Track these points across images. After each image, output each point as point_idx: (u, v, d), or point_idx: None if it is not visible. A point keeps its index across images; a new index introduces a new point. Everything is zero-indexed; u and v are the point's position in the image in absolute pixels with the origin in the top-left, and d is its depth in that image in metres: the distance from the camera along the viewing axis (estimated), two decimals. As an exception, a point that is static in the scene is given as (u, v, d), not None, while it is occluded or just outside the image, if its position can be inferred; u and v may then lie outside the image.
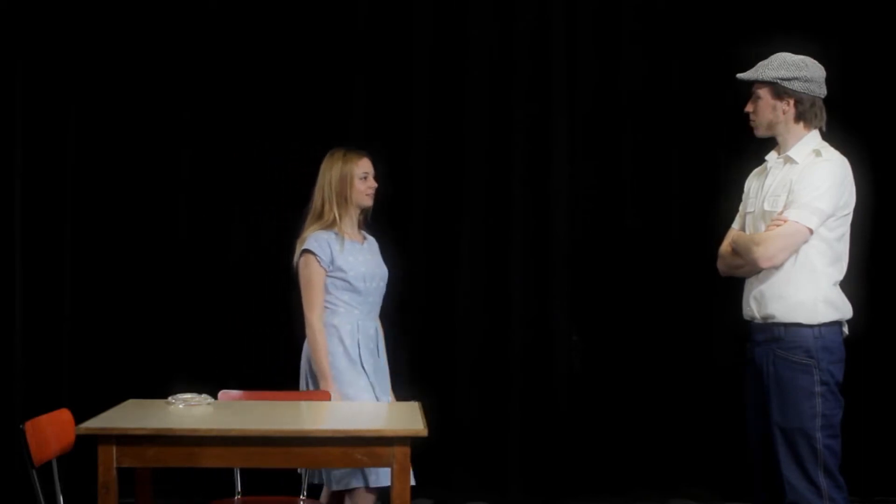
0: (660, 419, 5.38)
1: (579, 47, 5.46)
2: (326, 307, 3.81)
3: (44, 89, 5.30)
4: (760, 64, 3.50)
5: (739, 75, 3.53)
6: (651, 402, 5.39)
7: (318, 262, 3.78)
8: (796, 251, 3.35)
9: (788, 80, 3.41)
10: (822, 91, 3.46)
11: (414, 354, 5.34)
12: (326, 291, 3.81)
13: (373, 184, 3.91)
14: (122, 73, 5.33)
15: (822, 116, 3.48)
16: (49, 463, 3.28)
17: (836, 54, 3.71)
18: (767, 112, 3.48)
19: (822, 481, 3.31)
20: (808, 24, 5.07)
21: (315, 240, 3.80)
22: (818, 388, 3.32)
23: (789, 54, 3.47)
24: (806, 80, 3.41)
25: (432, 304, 5.38)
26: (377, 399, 3.79)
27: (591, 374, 5.43)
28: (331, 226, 3.83)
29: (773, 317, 3.39)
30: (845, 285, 3.46)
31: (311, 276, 3.80)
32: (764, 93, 3.47)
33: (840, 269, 3.43)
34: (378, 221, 5.40)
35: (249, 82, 5.38)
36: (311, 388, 3.85)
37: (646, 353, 5.40)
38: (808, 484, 3.32)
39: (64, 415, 3.42)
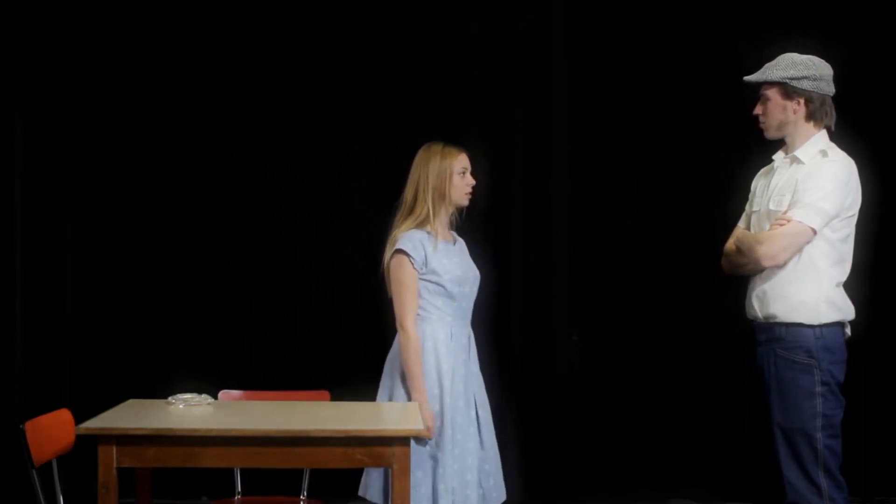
0: (660, 419, 5.38)
1: (579, 47, 5.46)
2: (417, 313, 3.56)
3: (44, 89, 5.30)
4: (767, 65, 3.49)
5: (746, 78, 3.52)
6: (651, 402, 5.38)
7: (412, 263, 3.53)
8: (799, 251, 3.35)
9: (798, 79, 3.41)
10: (830, 89, 3.46)
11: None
12: (419, 296, 3.56)
13: (471, 181, 3.67)
14: (122, 73, 5.33)
15: (832, 115, 3.48)
16: (49, 463, 3.28)
17: (837, 54, 3.69)
18: (778, 113, 3.47)
19: (823, 481, 3.31)
20: (809, 24, 5.06)
21: (408, 239, 3.55)
22: (819, 388, 3.32)
23: (796, 54, 3.47)
24: (815, 79, 3.41)
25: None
26: (470, 414, 3.58)
27: (591, 374, 5.43)
28: (423, 224, 3.59)
29: (774, 316, 3.39)
30: (848, 286, 3.45)
31: (404, 278, 3.54)
32: (773, 94, 3.46)
33: (843, 271, 3.42)
34: (374, 221, 5.43)
35: (249, 82, 5.38)
36: (396, 390, 3.57)
37: (646, 354, 5.40)
38: (808, 484, 3.32)
39: (64, 415, 3.42)
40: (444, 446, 3.46)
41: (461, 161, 3.64)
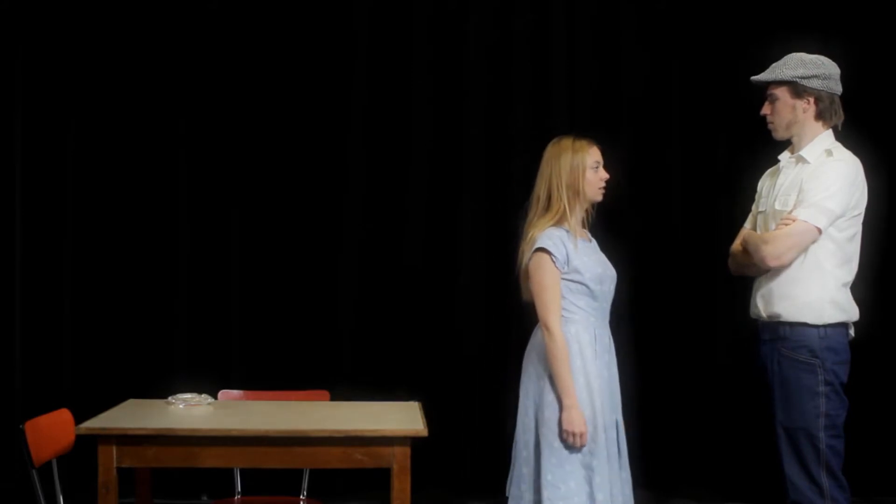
0: (660, 419, 5.37)
1: (579, 47, 5.45)
2: (561, 314, 3.37)
3: (44, 88, 5.30)
4: (775, 65, 3.48)
5: (754, 78, 3.50)
6: (652, 401, 5.38)
7: (554, 262, 3.34)
8: (805, 251, 3.34)
9: (807, 78, 3.40)
10: (839, 88, 3.45)
11: (414, 353, 5.34)
12: (561, 296, 3.37)
13: (605, 175, 3.47)
14: (121, 74, 5.33)
15: (840, 114, 3.47)
16: (49, 463, 3.28)
17: (840, 53, 3.69)
18: (787, 112, 3.45)
19: (825, 481, 3.31)
20: (810, 24, 5.07)
21: (548, 237, 3.36)
22: (822, 388, 3.31)
23: (804, 53, 3.46)
24: (825, 78, 3.41)
25: (433, 302, 5.38)
26: (614, 416, 3.39)
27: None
28: (560, 221, 3.40)
29: (779, 316, 3.38)
30: (853, 285, 3.44)
31: (546, 278, 3.35)
32: (782, 93, 3.45)
33: (849, 271, 3.41)
34: (373, 221, 5.44)
35: (248, 80, 5.37)
36: (545, 395, 3.34)
37: (646, 353, 5.39)
38: (810, 483, 3.31)
39: (64, 415, 3.42)
40: (599, 453, 3.28)
41: (593, 155, 3.46)
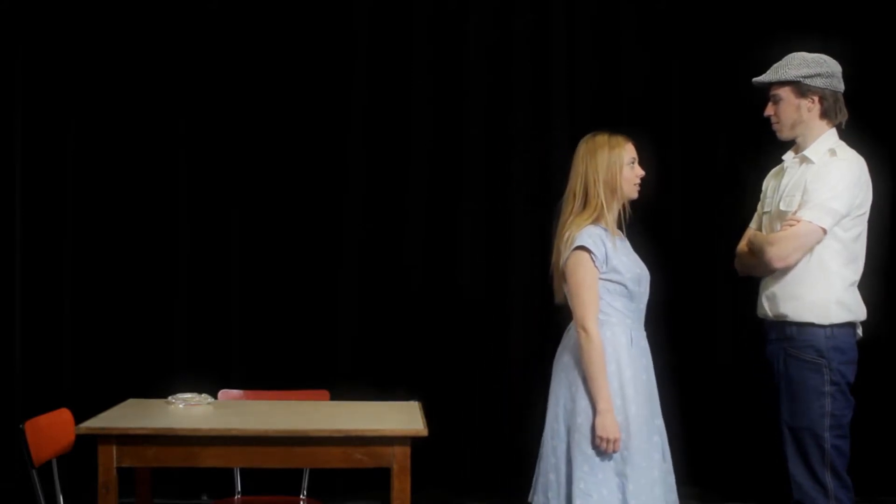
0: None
1: (579, 47, 5.45)
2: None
3: (44, 88, 5.31)
4: (776, 65, 3.47)
5: (756, 80, 3.50)
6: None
7: (593, 260, 3.24)
8: (810, 251, 3.34)
9: (811, 77, 3.39)
10: (841, 86, 3.45)
11: (414, 353, 5.34)
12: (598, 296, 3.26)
13: (640, 171, 3.38)
14: (120, 70, 5.32)
15: (844, 111, 3.46)
16: (49, 463, 3.28)
17: (840, 53, 3.68)
18: (791, 112, 3.44)
19: (829, 481, 3.30)
20: (810, 24, 5.06)
21: (588, 235, 3.25)
22: (828, 388, 3.31)
23: (805, 52, 3.46)
24: (828, 76, 3.40)
25: (432, 302, 5.38)
26: (655, 423, 3.31)
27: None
28: (597, 220, 3.29)
29: (785, 316, 3.38)
30: (860, 285, 3.43)
31: (585, 277, 3.23)
32: (786, 93, 3.44)
33: (856, 270, 3.40)
34: (373, 221, 5.44)
35: (249, 82, 5.36)
36: (578, 400, 3.23)
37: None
38: (814, 483, 3.31)
39: (64, 415, 3.42)
40: (633, 460, 3.20)
41: (629, 151, 3.37)
